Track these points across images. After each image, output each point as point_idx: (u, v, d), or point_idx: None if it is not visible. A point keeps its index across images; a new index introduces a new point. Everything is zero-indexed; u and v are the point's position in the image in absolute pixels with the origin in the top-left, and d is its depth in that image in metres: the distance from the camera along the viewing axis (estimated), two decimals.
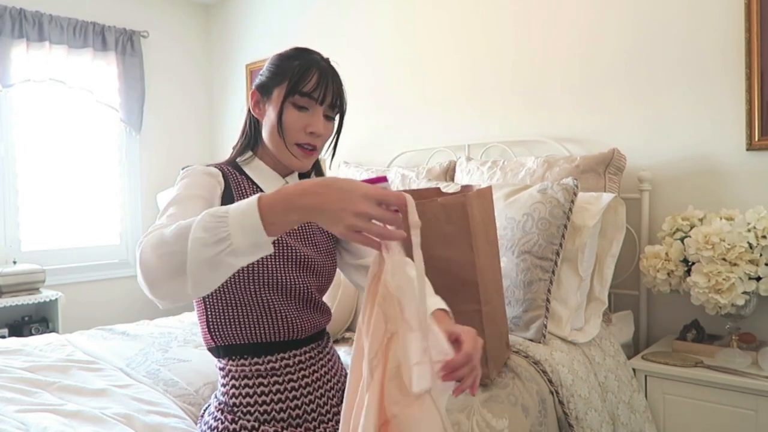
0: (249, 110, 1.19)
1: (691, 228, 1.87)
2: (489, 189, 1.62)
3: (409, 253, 0.79)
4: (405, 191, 0.82)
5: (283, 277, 1.10)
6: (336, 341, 1.88)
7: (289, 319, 1.11)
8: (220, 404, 1.12)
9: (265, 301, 1.09)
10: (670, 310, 2.12)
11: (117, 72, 3.50)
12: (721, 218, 1.83)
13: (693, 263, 1.82)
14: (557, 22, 2.39)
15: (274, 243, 1.09)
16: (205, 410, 1.20)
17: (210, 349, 1.15)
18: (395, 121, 2.98)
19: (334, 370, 1.19)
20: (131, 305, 3.39)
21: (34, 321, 3.06)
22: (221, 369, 1.13)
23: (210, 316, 1.11)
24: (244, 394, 1.09)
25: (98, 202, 3.57)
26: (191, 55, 3.98)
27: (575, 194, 1.78)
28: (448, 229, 1.47)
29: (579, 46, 2.34)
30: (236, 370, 1.10)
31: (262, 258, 1.07)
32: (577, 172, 2.04)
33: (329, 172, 2.12)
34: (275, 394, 1.09)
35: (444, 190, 1.75)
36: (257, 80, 1.18)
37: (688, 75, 2.08)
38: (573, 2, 2.35)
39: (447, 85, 2.77)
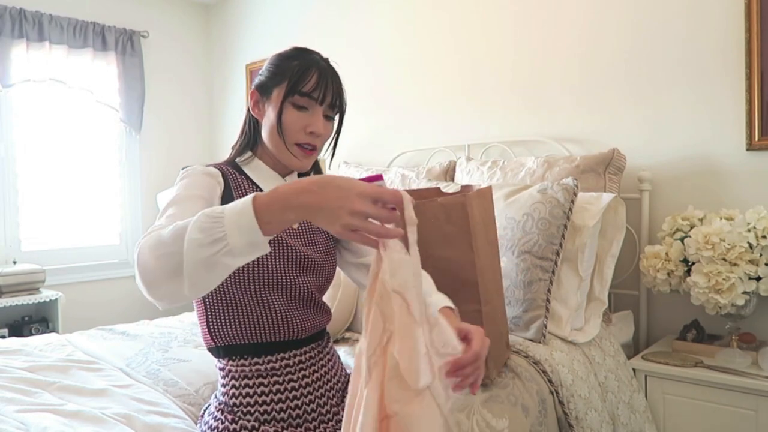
0: (248, 110, 1.19)
1: (691, 228, 1.87)
2: (489, 189, 1.62)
3: (406, 250, 0.79)
4: (405, 191, 0.82)
5: (283, 277, 1.10)
6: (336, 341, 1.88)
7: (289, 319, 1.11)
8: (220, 404, 1.12)
9: (265, 301, 1.09)
10: (670, 310, 2.12)
11: (117, 72, 3.50)
12: (721, 218, 1.83)
13: (693, 263, 1.82)
14: (557, 22, 2.39)
15: (273, 243, 1.10)
16: (205, 410, 1.20)
17: (210, 350, 1.15)
18: (395, 121, 2.98)
19: (334, 370, 1.18)
20: (131, 305, 3.39)
21: (34, 321, 3.06)
22: (221, 369, 1.13)
23: (210, 317, 1.11)
24: (244, 394, 1.09)
25: (98, 202, 3.57)
26: (191, 55, 3.98)
27: (575, 194, 1.78)
28: (448, 229, 1.47)
29: (579, 46, 2.34)
30: (236, 371, 1.10)
31: (262, 258, 1.07)
32: (577, 172, 2.04)
33: (329, 172, 2.12)
34: (275, 394, 1.09)
35: (444, 190, 1.75)
36: (256, 80, 1.18)
37: (688, 75, 2.08)
38: (573, 2, 2.35)
39: (447, 85, 2.77)
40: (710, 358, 1.81)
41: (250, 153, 1.19)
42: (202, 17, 4.04)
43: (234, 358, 1.11)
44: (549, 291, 1.74)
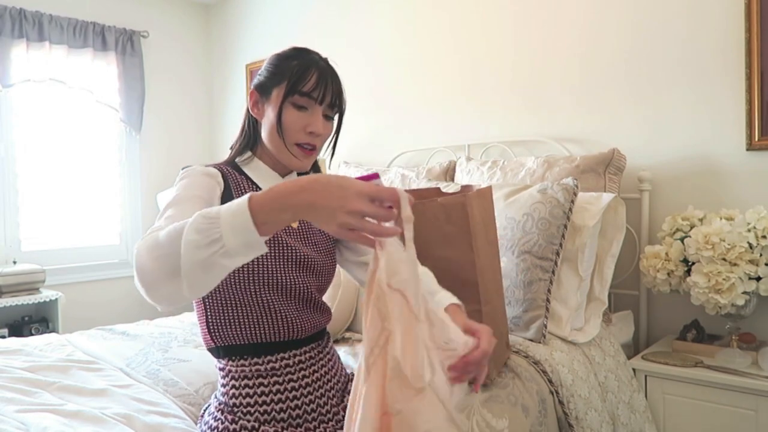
0: (247, 110, 1.19)
1: (691, 228, 1.87)
2: (489, 189, 1.62)
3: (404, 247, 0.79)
4: (405, 191, 0.82)
5: (283, 277, 1.10)
6: (336, 341, 1.88)
7: (289, 319, 1.11)
8: (220, 404, 1.12)
9: (265, 302, 1.09)
10: (670, 310, 2.12)
11: (117, 72, 3.50)
12: (721, 218, 1.83)
13: (693, 263, 1.82)
14: (557, 22, 2.39)
15: (273, 243, 1.10)
16: (205, 410, 1.20)
17: (210, 350, 1.15)
18: (395, 121, 2.98)
19: (334, 370, 1.18)
20: (131, 305, 3.39)
21: (34, 321, 3.06)
22: (221, 369, 1.13)
23: (210, 317, 1.11)
24: (244, 394, 1.09)
25: (98, 202, 3.57)
26: (191, 55, 3.98)
27: (575, 194, 1.78)
28: (448, 229, 1.47)
29: (579, 46, 2.34)
30: (236, 371, 1.10)
31: (262, 258, 1.07)
32: (577, 172, 2.04)
33: (329, 172, 2.12)
34: (275, 395, 1.09)
35: (444, 190, 1.75)
36: (256, 80, 1.17)
37: (688, 75, 2.08)
38: (573, 2, 2.35)
39: (447, 85, 2.77)
40: (710, 358, 1.81)
41: (249, 153, 1.19)
42: (202, 17, 4.04)
43: (234, 358, 1.11)
44: (549, 291, 1.74)
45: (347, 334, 1.94)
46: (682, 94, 2.10)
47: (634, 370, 1.87)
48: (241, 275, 1.07)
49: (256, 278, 1.07)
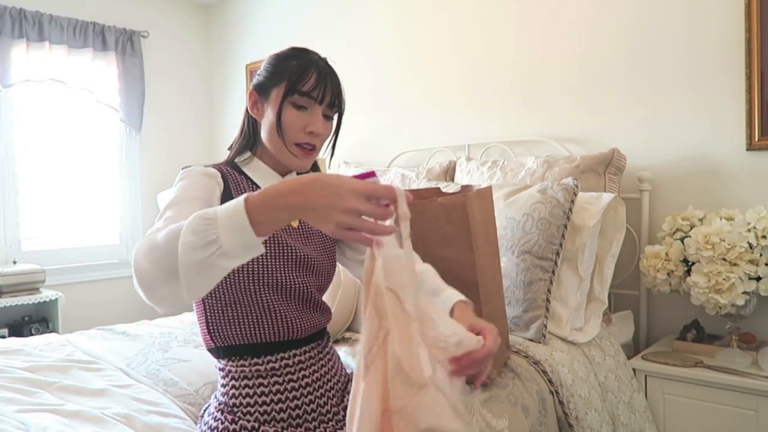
0: (247, 110, 1.19)
1: (691, 228, 1.87)
2: (489, 189, 1.62)
3: (400, 245, 0.79)
4: (398, 186, 0.81)
5: (283, 277, 1.10)
6: (336, 341, 1.88)
7: (288, 319, 1.11)
8: (220, 404, 1.12)
9: (264, 302, 1.09)
10: (670, 310, 2.12)
11: (117, 72, 3.50)
12: (721, 218, 1.83)
13: (693, 263, 1.82)
14: (557, 22, 2.39)
15: (273, 243, 1.10)
16: (204, 410, 1.20)
17: (210, 350, 1.15)
18: (395, 121, 2.98)
19: (334, 370, 1.18)
20: (131, 305, 3.39)
21: (34, 321, 3.06)
22: (221, 369, 1.13)
23: (209, 317, 1.11)
24: (244, 394, 1.09)
25: (98, 202, 3.57)
26: (191, 55, 3.98)
27: (575, 194, 1.78)
28: (448, 229, 1.47)
29: (579, 46, 2.34)
30: (236, 371, 1.10)
31: (261, 258, 1.07)
32: (577, 172, 2.04)
33: (329, 172, 2.12)
34: (275, 395, 1.09)
35: (444, 190, 1.75)
36: (255, 80, 1.17)
37: (688, 75, 2.08)
38: (573, 2, 2.35)
39: (447, 85, 2.77)
40: (710, 358, 1.81)
41: (249, 153, 1.19)
42: (202, 17, 4.04)
43: (234, 358, 1.11)
44: (549, 291, 1.74)
45: (347, 334, 1.94)
46: (682, 94, 2.10)
47: (634, 370, 1.87)
48: (241, 275, 1.07)
49: (255, 278, 1.07)
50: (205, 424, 1.13)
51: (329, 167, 2.87)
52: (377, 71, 3.03)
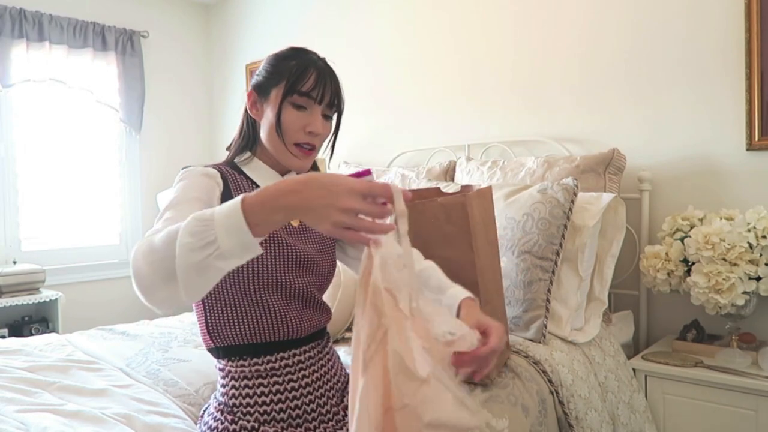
0: (246, 110, 1.19)
1: (691, 228, 1.87)
2: (489, 189, 1.62)
3: (399, 243, 0.78)
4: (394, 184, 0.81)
5: (283, 277, 1.10)
6: (336, 341, 1.88)
7: (288, 319, 1.10)
8: (219, 405, 1.12)
9: (264, 302, 1.09)
10: (670, 310, 2.12)
11: (117, 72, 3.50)
12: (721, 218, 1.83)
13: (693, 263, 1.82)
14: (557, 22, 2.39)
15: (273, 242, 1.10)
16: (204, 411, 1.20)
17: (209, 350, 1.15)
18: (395, 121, 2.98)
19: (333, 370, 1.18)
20: (131, 305, 3.38)
21: (34, 321, 3.06)
22: (221, 370, 1.13)
23: (209, 317, 1.11)
24: (243, 394, 1.09)
25: (98, 202, 3.57)
26: (191, 55, 3.98)
27: (575, 194, 1.78)
28: (448, 229, 1.47)
29: (579, 46, 2.34)
30: (236, 371, 1.10)
31: (261, 258, 1.07)
32: (577, 172, 2.04)
33: (329, 172, 2.11)
34: (275, 395, 1.09)
35: (444, 190, 1.75)
36: (254, 80, 1.17)
37: (688, 75, 2.08)
38: (573, 2, 2.35)
39: (447, 85, 2.77)
40: (710, 358, 1.81)
41: (249, 153, 1.19)
42: (202, 17, 4.04)
43: (233, 358, 1.11)
44: (549, 291, 1.74)
45: (347, 334, 1.93)
46: (682, 94, 2.10)
47: (634, 370, 1.87)
48: (241, 275, 1.07)
49: (255, 278, 1.07)
50: (204, 425, 1.13)
51: (329, 167, 2.87)
52: (377, 71, 3.03)
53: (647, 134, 2.18)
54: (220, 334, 1.10)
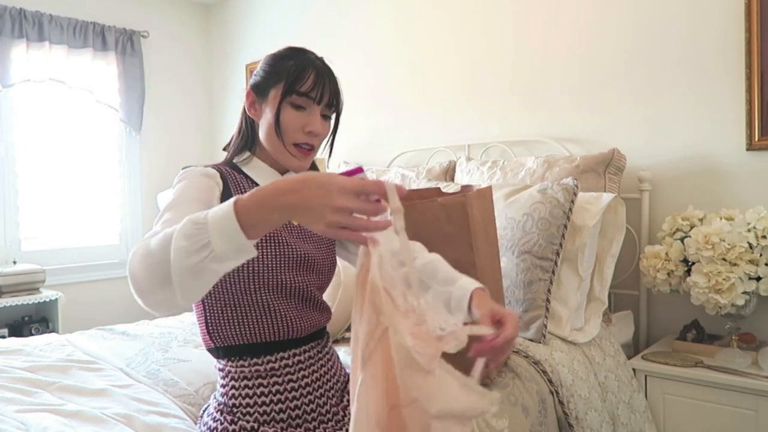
0: (244, 111, 1.19)
1: (691, 228, 1.87)
2: (489, 189, 1.62)
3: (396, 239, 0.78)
4: (387, 181, 0.80)
5: (283, 277, 1.10)
6: (336, 341, 1.88)
7: (288, 319, 1.10)
8: (219, 405, 1.12)
9: (264, 301, 1.09)
10: (670, 310, 2.12)
11: (117, 72, 3.50)
12: (721, 218, 1.83)
13: (693, 263, 1.82)
14: (557, 22, 2.39)
15: (272, 241, 1.10)
16: (204, 411, 1.20)
17: (209, 350, 1.15)
18: (395, 121, 2.98)
19: (333, 370, 1.18)
20: (131, 305, 3.36)
21: (34, 321, 3.06)
22: (221, 370, 1.13)
23: (209, 317, 1.11)
24: (243, 395, 1.09)
25: (98, 202, 3.57)
26: (191, 55, 3.98)
27: (575, 194, 1.78)
28: (448, 229, 1.47)
29: (579, 46, 2.34)
30: (236, 371, 1.10)
31: (261, 257, 1.07)
32: (577, 172, 2.04)
33: (328, 171, 2.11)
34: (275, 395, 1.09)
35: (444, 190, 1.75)
36: (252, 80, 1.17)
37: (688, 75, 2.08)
38: (573, 2, 2.35)
39: (447, 85, 2.77)
40: (710, 358, 1.81)
41: (248, 153, 1.19)
42: (202, 17, 4.04)
43: (233, 358, 1.10)
44: (549, 291, 1.74)
45: (347, 334, 1.93)
46: (682, 94, 2.10)
47: (634, 370, 1.87)
48: (241, 275, 1.07)
49: (255, 278, 1.07)
50: (204, 425, 1.13)
51: (327, 167, 2.87)
52: (377, 71, 3.03)
53: (647, 134, 2.18)
54: (220, 334, 1.10)
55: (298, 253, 1.12)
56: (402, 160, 2.87)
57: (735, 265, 1.72)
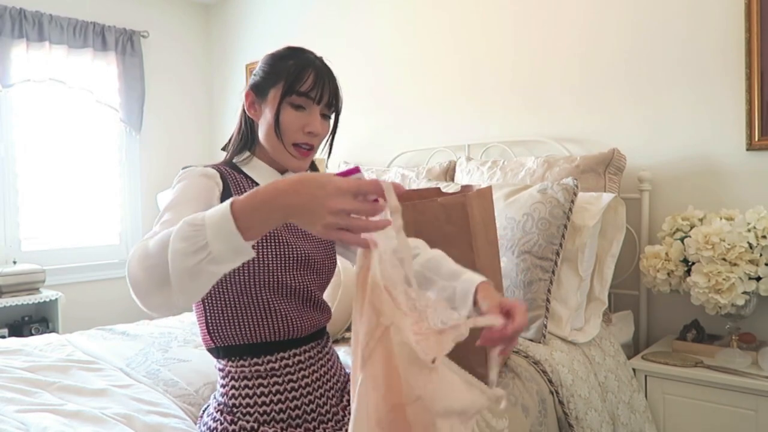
0: (243, 111, 1.18)
1: (691, 228, 1.87)
2: (489, 189, 1.62)
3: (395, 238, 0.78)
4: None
5: (283, 277, 1.10)
6: (336, 341, 1.88)
7: (289, 319, 1.10)
8: (219, 405, 1.12)
9: (264, 301, 1.09)
10: (670, 310, 2.12)
11: (117, 72, 3.50)
12: (721, 218, 1.83)
13: (693, 263, 1.82)
14: (557, 22, 2.39)
15: (273, 241, 1.09)
16: (204, 411, 1.20)
17: (209, 350, 1.15)
18: (395, 121, 2.98)
19: (333, 371, 1.18)
20: (131, 305, 3.35)
21: (34, 321, 3.06)
22: (221, 370, 1.13)
23: (209, 317, 1.11)
24: (243, 395, 1.09)
25: (98, 202, 3.57)
26: (191, 55, 3.98)
27: (575, 194, 1.78)
28: (448, 229, 1.47)
29: (579, 46, 2.34)
30: (236, 371, 1.10)
31: (261, 257, 1.07)
32: (577, 172, 2.04)
33: (327, 172, 2.11)
34: (275, 395, 1.09)
35: (444, 190, 1.75)
36: (251, 80, 1.17)
37: (688, 75, 2.08)
38: (573, 2, 2.35)
39: (447, 85, 2.77)
40: (710, 358, 1.81)
41: (248, 153, 1.19)
42: (202, 17, 4.04)
43: (233, 358, 1.10)
44: (549, 291, 1.74)
45: (347, 334, 1.93)
46: (682, 94, 2.10)
47: (634, 370, 1.87)
48: (241, 275, 1.07)
49: (255, 278, 1.07)
50: (204, 425, 1.13)
51: (327, 167, 2.87)
52: (377, 71, 3.03)
53: (647, 134, 2.18)
54: (221, 334, 1.10)
55: (299, 252, 1.12)
56: (402, 160, 2.87)
57: (735, 265, 1.72)
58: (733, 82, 1.98)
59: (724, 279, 1.71)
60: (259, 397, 1.09)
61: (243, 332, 1.09)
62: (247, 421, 1.07)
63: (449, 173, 2.49)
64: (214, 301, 1.10)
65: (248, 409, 1.08)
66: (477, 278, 1.04)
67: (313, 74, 1.10)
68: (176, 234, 0.78)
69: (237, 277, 1.07)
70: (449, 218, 1.47)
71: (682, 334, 1.95)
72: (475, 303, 1.01)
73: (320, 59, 1.15)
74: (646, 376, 1.85)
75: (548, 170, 2.10)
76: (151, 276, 0.80)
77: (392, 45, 2.98)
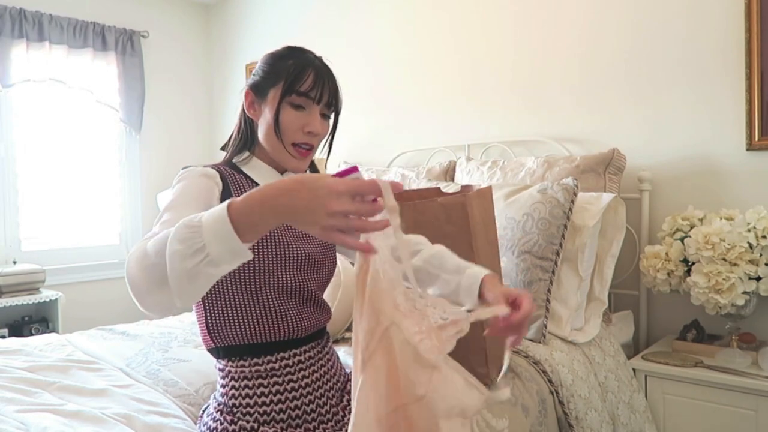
0: (243, 110, 1.18)
1: (691, 228, 1.87)
2: (489, 189, 1.62)
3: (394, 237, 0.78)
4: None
5: (284, 277, 1.10)
6: (336, 341, 1.88)
7: (289, 319, 1.10)
8: (219, 405, 1.12)
9: (264, 301, 1.09)
10: (670, 310, 2.12)
11: (117, 72, 3.50)
12: (721, 218, 1.83)
13: (693, 263, 1.82)
14: (557, 22, 2.39)
15: (272, 241, 1.09)
16: (204, 411, 1.20)
17: (209, 350, 1.15)
18: (395, 121, 2.98)
19: (333, 371, 1.18)
20: (131, 305, 3.34)
21: (34, 321, 3.06)
22: (221, 370, 1.13)
23: (209, 317, 1.11)
24: (243, 395, 1.09)
25: (98, 202, 3.57)
26: (191, 55, 3.98)
27: (575, 194, 1.78)
28: (448, 229, 1.47)
29: (579, 46, 2.34)
30: (236, 371, 1.10)
31: (261, 257, 1.07)
32: (577, 172, 2.04)
33: (326, 172, 2.11)
34: (275, 395, 1.09)
35: (444, 190, 1.75)
36: (250, 80, 1.17)
37: (688, 75, 2.08)
38: (573, 2, 2.35)
39: (447, 85, 2.77)
40: (710, 358, 1.81)
41: (247, 153, 1.19)
42: (202, 17, 4.04)
43: (234, 358, 1.10)
44: (549, 291, 1.74)
45: (347, 334, 1.93)
46: (682, 94, 2.10)
47: (634, 370, 1.87)
48: (241, 275, 1.07)
49: (256, 277, 1.07)
50: (204, 425, 1.13)
51: (326, 167, 2.87)
52: (377, 71, 3.03)
53: (647, 134, 2.18)
54: (221, 334, 1.10)
55: (299, 252, 1.12)
56: (402, 160, 2.87)
57: (735, 265, 1.72)
58: (733, 82, 1.98)
59: (724, 279, 1.71)
60: (259, 397, 1.09)
61: (243, 332, 1.09)
62: (247, 421, 1.07)
63: (449, 173, 2.49)
64: (214, 301, 1.10)
65: (248, 409, 1.08)
66: (482, 272, 1.05)
67: (312, 74, 1.10)
68: (174, 235, 0.78)
69: (237, 277, 1.07)
70: (449, 218, 1.47)
71: (682, 334, 1.95)
72: (481, 296, 1.01)
73: (320, 59, 1.15)
74: (646, 376, 1.85)
75: (548, 170, 2.10)
76: (149, 277, 0.80)
77: (392, 45, 2.98)
